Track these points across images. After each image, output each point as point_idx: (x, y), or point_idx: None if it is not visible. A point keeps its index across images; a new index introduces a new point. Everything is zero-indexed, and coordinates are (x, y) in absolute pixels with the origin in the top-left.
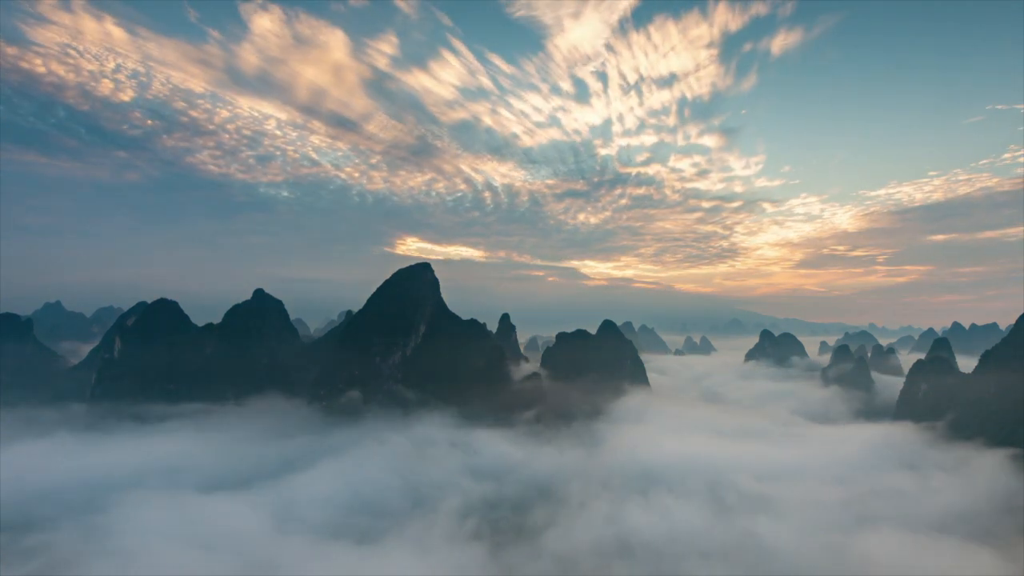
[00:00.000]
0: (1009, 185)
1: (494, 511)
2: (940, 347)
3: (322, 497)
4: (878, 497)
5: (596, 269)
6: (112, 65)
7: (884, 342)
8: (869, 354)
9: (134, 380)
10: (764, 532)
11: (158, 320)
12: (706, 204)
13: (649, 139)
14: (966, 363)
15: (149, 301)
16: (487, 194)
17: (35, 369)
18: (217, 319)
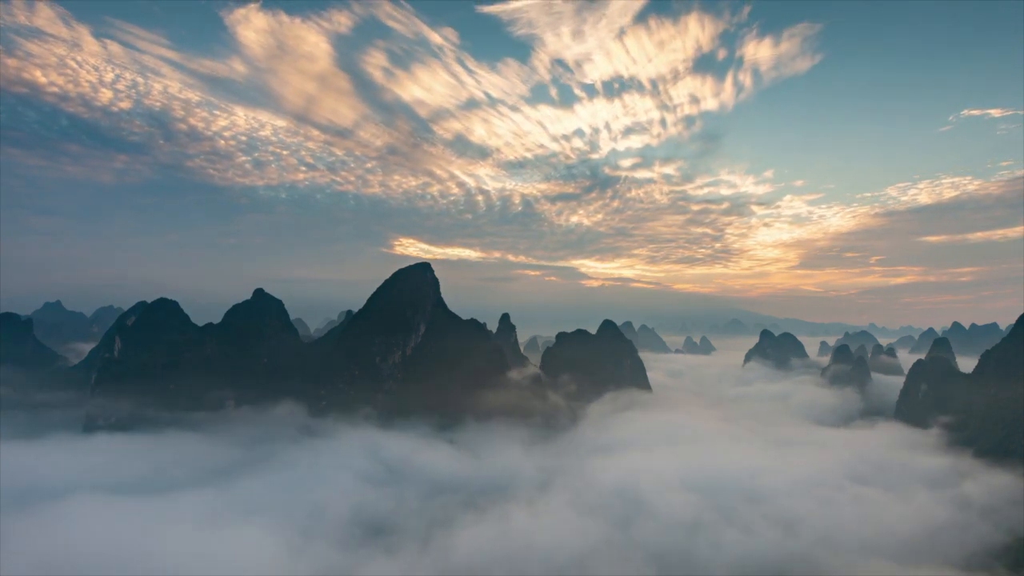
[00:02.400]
0: (994, 188)
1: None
2: (940, 347)
3: (210, 506)
4: (851, 512)
5: (594, 269)
6: (111, 76)
7: (884, 342)
8: (869, 354)
9: (134, 380)
10: (660, 551)
11: (158, 320)
12: (695, 207)
13: (636, 144)
14: (966, 363)
15: (149, 301)
16: (480, 197)
17: (35, 368)
18: (217, 319)
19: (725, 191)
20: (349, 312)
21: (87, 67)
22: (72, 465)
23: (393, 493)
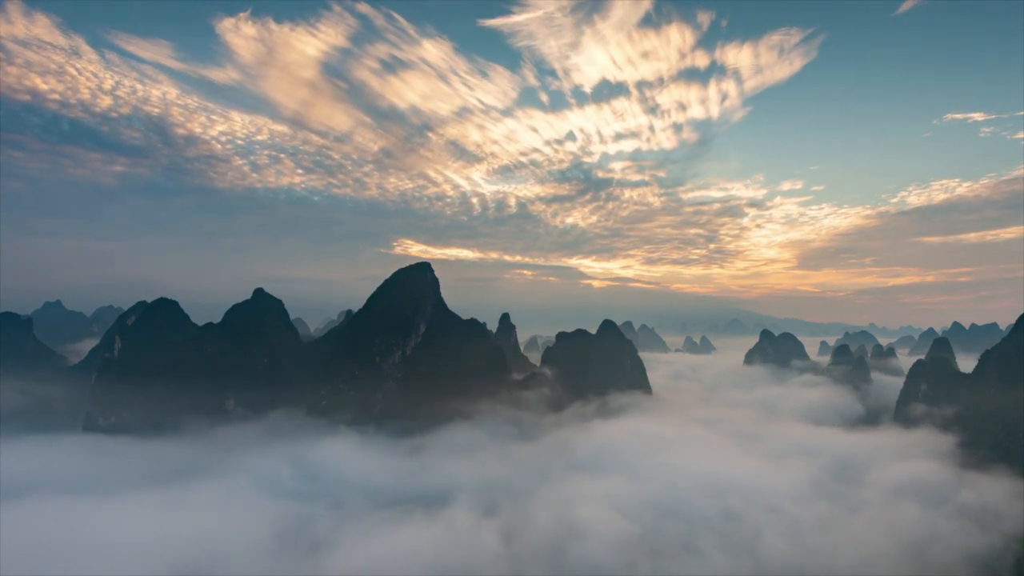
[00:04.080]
0: (983, 190)
1: None
2: (940, 347)
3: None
4: (838, 523)
5: (593, 269)
6: (111, 83)
7: (884, 342)
8: (869, 354)
9: (134, 379)
10: None
11: (158, 319)
12: (688, 209)
13: (627, 148)
14: (966, 363)
15: (149, 300)
16: (475, 200)
17: (35, 368)
18: (217, 319)
19: (716, 193)
20: (349, 312)
21: (87, 74)
22: (71, 464)
23: (308, 506)
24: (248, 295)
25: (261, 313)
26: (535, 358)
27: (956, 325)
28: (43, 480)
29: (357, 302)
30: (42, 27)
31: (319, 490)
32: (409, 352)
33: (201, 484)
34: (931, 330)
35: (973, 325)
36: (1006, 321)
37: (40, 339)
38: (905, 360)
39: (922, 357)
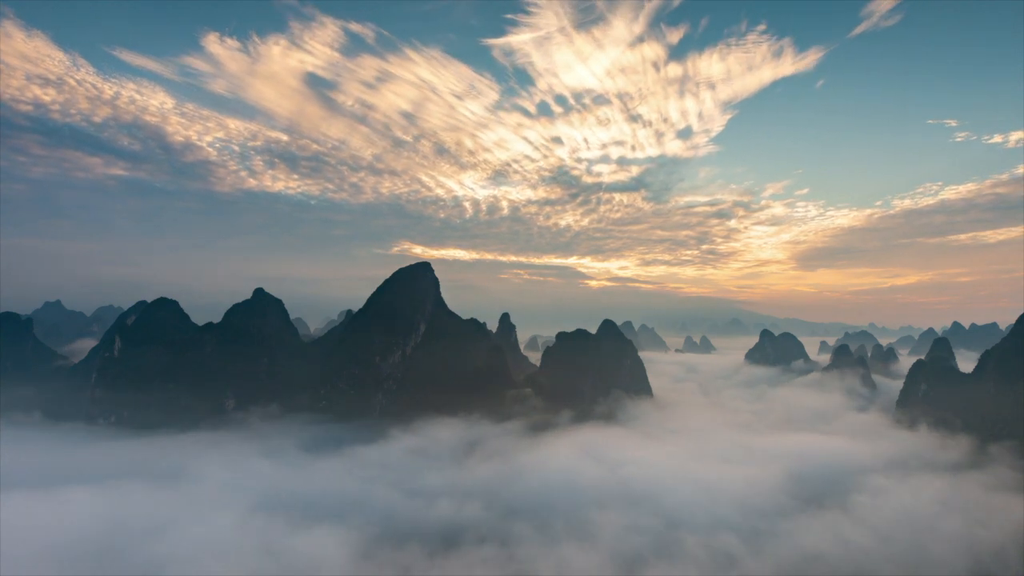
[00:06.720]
0: (968, 193)
1: None
2: (940, 347)
3: None
4: (828, 531)
5: (592, 269)
6: (110, 93)
7: (884, 342)
8: (869, 354)
9: (134, 379)
10: None
11: (158, 319)
12: (680, 212)
13: (614, 154)
14: (966, 363)
15: (149, 300)
16: (467, 203)
17: (35, 368)
18: (217, 319)
19: (703, 197)
20: (349, 312)
21: (86, 85)
22: (70, 464)
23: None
24: (248, 295)
25: (261, 313)
26: (535, 358)
27: (956, 325)
28: (43, 480)
29: (357, 302)
30: (41, 41)
31: (245, 496)
32: (409, 352)
33: (149, 483)
34: (931, 330)
35: (973, 325)
36: (1006, 321)
37: (40, 339)
38: (905, 360)
39: (922, 357)
